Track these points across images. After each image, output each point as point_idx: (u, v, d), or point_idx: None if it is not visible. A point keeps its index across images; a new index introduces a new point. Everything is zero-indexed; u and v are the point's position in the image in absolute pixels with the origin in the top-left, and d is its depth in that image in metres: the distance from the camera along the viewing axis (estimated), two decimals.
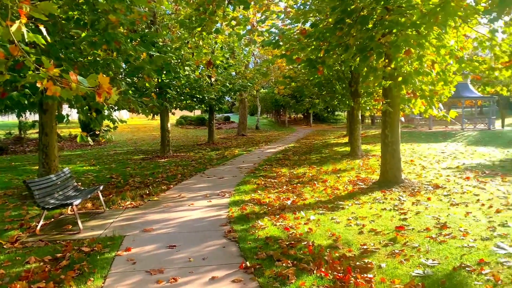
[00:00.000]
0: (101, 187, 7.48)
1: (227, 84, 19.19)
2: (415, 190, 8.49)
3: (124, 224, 6.36)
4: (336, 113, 47.94)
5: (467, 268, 4.15)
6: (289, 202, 7.67)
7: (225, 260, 4.70)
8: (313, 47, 8.90)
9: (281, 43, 9.38)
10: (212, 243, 5.34)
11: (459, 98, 28.82)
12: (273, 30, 10.17)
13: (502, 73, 8.15)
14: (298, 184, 9.54)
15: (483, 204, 7.14)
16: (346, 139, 21.68)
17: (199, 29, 9.01)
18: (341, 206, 7.27)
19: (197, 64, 15.29)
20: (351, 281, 3.89)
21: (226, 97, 21.17)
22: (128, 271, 4.42)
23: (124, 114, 39.61)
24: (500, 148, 17.58)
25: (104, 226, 6.30)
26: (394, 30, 7.53)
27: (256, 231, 5.77)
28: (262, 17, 9.71)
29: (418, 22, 7.05)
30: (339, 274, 4.06)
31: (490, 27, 7.97)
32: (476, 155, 15.05)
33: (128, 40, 7.47)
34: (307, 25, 9.25)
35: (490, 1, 6.67)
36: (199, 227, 6.16)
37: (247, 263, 4.50)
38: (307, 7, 9.44)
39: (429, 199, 7.66)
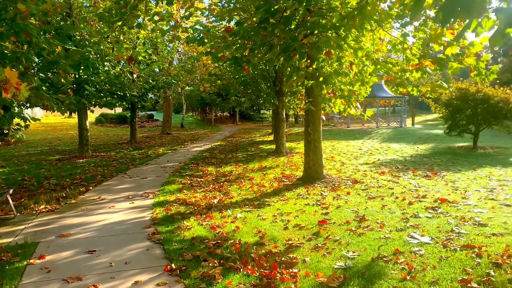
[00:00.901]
0: (11, 191, 6.86)
1: (150, 81, 18.60)
2: (336, 185, 8.87)
3: (37, 230, 5.88)
4: (262, 111, 48.69)
5: (384, 258, 4.40)
6: (215, 201, 7.61)
7: (149, 263, 4.53)
8: (238, 45, 8.92)
9: (206, 41, 9.28)
10: (135, 246, 5.13)
11: (374, 98, 30.69)
12: (197, 27, 10.03)
13: (412, 75, 8.76)
14: (225, 183, 9.52)
15: (397, 197, 7.65)
16: (271, 137, 22.09)
17: (119, 23, 8.60)
18: (267, 203, 7.37)
19: (117, 60, 14.64)
20: (277, 277, 3.94)
21: (149, 94, 20.52)
22: (42, 280, 4.08)
23: (37, 111, 36.79)
24: (411, 144, 19.02)
25: (15, 233, 5.78)
26: (316, 32, 7.77)
27: (182, 232, 5.65)
28: (186, 13, 9.51)
29: (337, 24, 7.34)
30: (265, 271, 4.09)
31: (402, 31, 8.55)
32: (390, 151, 16.13)
33: (41, 33, 6.91)
34: (232, 23, 9.25)
35: (402, 7, 7.13)
36: (121, 230, 5.88)
37: (172, 265, 4.38)
38: (232, 5, 9.42)
39: (348, 193, 8.04)
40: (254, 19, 8.64)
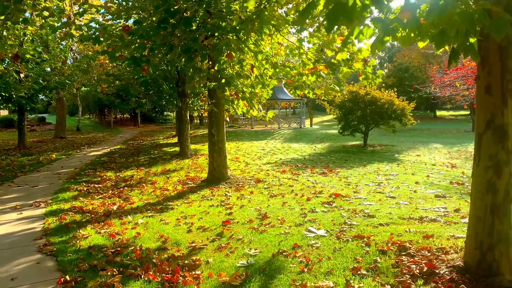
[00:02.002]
0: None
1: (41, 81, 17.12)
2: (240, 185, 9.04)
3: None
4: (165, 113, 47.59)
5: (284, 253, 4.58)
6: (115, 207, 7.27)
7: (40, 277, 4.18)
8: (137, 45, 8.62)
9: (102, 39, 8.81)
10: (24, 260, 4.69)
11: (276, 100, 31.82)
12: (92, 24, 9.49)
13: (308, 78, 9.26)
14: (125, 188, 9.14)
15: (296, 194, 8.02)
16: (175, 139, 21.74)
17: (2, 17, 7.80)
18: (170, 207, 7.23)
19: (1, 58, 13.23)
20: (180, 281, 3.89)
21: (40, 95, 18.86)
22: None
23: None
24: (310, 144, 20.09)
25: None
26: (216, 34, 7.83)
27: (78, 242, 5.30)
28: (80, 10, 8.94)
29: (237, 27, 7.48)
30: (168, 275, 4.02)
31: (298, 37, 9.00)
32: (291, 151, 16.86)
33: None
34: (131, 22, 8.92)
35: (297, 14, 7.50)
36: (7, 243, 5.33)
37: (67, 277, 4.09)
38: (130, 3, 9.09)
39: (252, 192, 8.23)
40: (154, 18, 8.44)
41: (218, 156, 9.62)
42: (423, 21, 3.31)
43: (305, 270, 4.06)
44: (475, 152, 3.79)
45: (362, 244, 4.79)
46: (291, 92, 10.04)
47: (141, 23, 8.40)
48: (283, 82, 9.96)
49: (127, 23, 9.20)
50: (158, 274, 4.09)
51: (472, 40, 3.73)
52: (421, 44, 3.79)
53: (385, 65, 66.59)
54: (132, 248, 4.98)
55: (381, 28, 2.85)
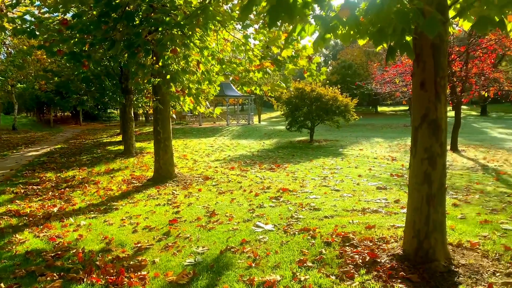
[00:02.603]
0: None
1: None
2: (188, 183, 8.92)
3: None
4: (109, 110, 46.03)
5: (232, 250, 4.58)
6: (55, 209, 6.93)
7: None
8: (76, 39, 8.24)
9: (37, 33, 8.33)
10: None
11: (224, 97, 31.74)
12: (27, 17, 8.94)
13: (255, 75, 9.30)
14: (67, 189, 8.73)
15: (245, 190, 8.05)
16: (120, 138, 21.05)
17: None
18: (114, 207, 7.01)
19: None
20: (125, 282, 3.78)
21: None
22: None
23: None
24: (258, 140, 20.23)
25: None
26: (160, 29, 7.66)
27: (14, 247, 4.99)
28: (13, 2, 8.39)
29: (182, 22, 7.36)
30: (112, 277, 3.89)
31: (244, 33, 9.00)
32: (239, 148, 16.89)
33: None
34: (69, 16, 8.50)
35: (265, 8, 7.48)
36: None
37: (1, 285, 3.84)
38: None
39: (200, 190, 8.16)
40: (94, 12, 8.10)
41: (165, 154, 9.44)
42: (362, 19, 3.42)
43: (253, 265, 4.09)
44: (411, 145, 3.98)
45: (308, 237, 4.90)
46: (238, 88, 10.02)
47: (81, 16, 8.03)
48: (231, 78, 9.91)
49: (65, 17, 8.77)
50: (101, 276, 3.94)
51: (408, 38, 3.92)
52: (361, 42, 3.92)
53: (329, 62, 68.42)
54: (74, 251, 4.77)
55: (322, 25, 2.91)
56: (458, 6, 3.94)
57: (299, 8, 2.51)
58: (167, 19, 7.40)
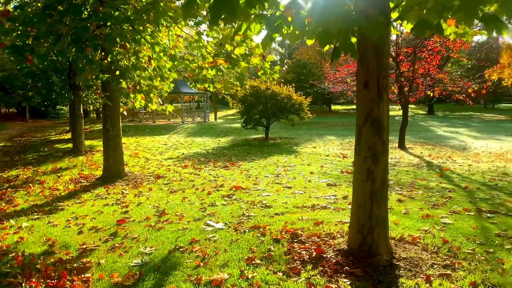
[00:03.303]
0: None
1: None
2: (138, 182, 8.73)
3: None
4: (58, 107, 44.10)
5: (180, 249, 4.53)
6: None
7: None
8: (19, 32, 7.82)
9: None
10: None
11: (179, 94, 31.28)
12: None
13: (208, 72, 9.23)
14: (9, 189, 8.30)
15: (197, 189, 7.98)
16: (69, 135, 20.24)
17: None
18: (60, 208, 6.73)
19: None
20: (67, 285, 3.64)
21: None
22: None
23: None
24: (213, 138, 20.13)
25: None
26: (109, 23, 7.43)
27: None
28: None
29: (132, 17, 7.18)
30: (53, 281, 3.73)
31: (197, 30, 8.90)
32: (194, 145, 16.73)
33: None
34: (12, 7, 8.07)
35: (196, 6, 7.39)
36: None
37: None
38: None
39: (151, 189, 8.01)
40: (39, 4, 7.73)
41: (114, 152, 9.17)
42: (309, 19, 3.47)
43: (201, 264, 4.06)
44: (356, 143, 4.09)
45: (258, 234, 4.93)
46: (191, 85, 9.88)
47: (24, 8, 7.63)
48: (186, 75, 9.76)
49: (7, 8, 8.32)
50: (42, 280, 3.77)
51: (353, 39, 4.02)
52: (309, 42, 3.97)
53: (285, 61, 69.18)
54: (13, 254, 4.53)
55: (267, 25, 2.93)
56: (400, 9, 4.09)
57: (242, 7, 2.51)
58: (116, 13, 7.20)
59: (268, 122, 19.04)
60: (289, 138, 19.72)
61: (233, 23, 3.24)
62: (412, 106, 55.65)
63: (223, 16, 2.42)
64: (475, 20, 3.42)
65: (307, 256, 4.08)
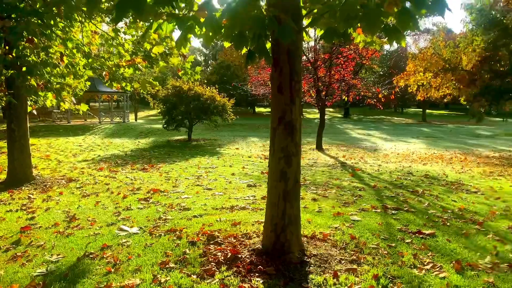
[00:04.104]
0: None
1: None
2: (48, 186, 8.17)
3: None
4: None
5: (91, 256, 4.31)
6: None
7: None
8: None
9: None
10: None
11: (96, 92, 29.84)
12: None
13: (126, 71, 8.91)
14: None
15: (112, 192, 7.65)
16: None
17: None
18: None
19: None
20: None
21: None
22: None
23: None
24: (133, 139, 19.48)
25: None
26: (14, 15, 6.87)
27: None
28: None
29: (40, 10, 6.70)
30: None
31: (113, 27, 8.55)
32: (112, 147, 16.05)
33: None
34: None
35: (112, 2, 7.10)
36: None
37: None
38: None
39: (61, 193, 7.53)
40: None
41: (20, 154, 8.49)
42: (225, 21, 3.49)
43: (112, 270, 3.89)
44: (270, 144, 4.20)
45: (174, 238, 4.85)
46: (108, 84, 9.46)
47: None
48: (103, 73, 9.26)
49: None
50: None
51: (268, 44, 4.12)
52: (226, 44, 3.99)
53: (209, 62, 69.07)
54: None
55: (178, 25, 2.89)
56: (312, 16, 4.27)
57: (150, 5, 2.45)
58: (22, 5, 6.68)
59: (191, 123, 18.86)
60: (212, 139, 19.70)
61: (146, 22, 3.16)
62: (330, 109, 58.49)
63: (131, 14, 2.35)
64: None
65: (223, 257, 4.10)
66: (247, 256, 4.13)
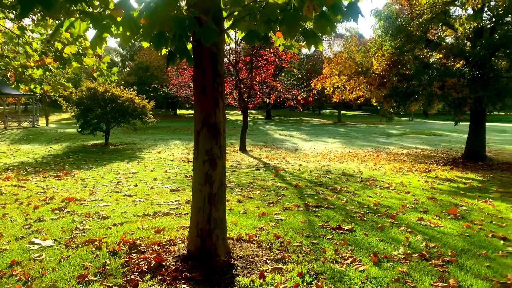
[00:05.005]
0: None
1: None
2: None
3: None
4: None
5: None
6: None
7: None
8: None
9: None
10: None
11: (0, 95, 27.31)
12: None
13: (35, 71, 8.25)
14: None
15: (21, 203, 7.03)
16: None
17: None
18: None
19: None
20: None
21: None
22: None
23: None
24: (44, 144, 18.12)
25: None
26: None
27: None
28: None
29: None
30: None
31: (19, 24, 7.89)
32: (20, 154, 14.80)
33: None
34: None
35: None
36: None
37: None
38: None
39: None
40: None
41: None
42: (143, 21, 3.35)
43: (22, 287, 3.56)
44: (194, 147, 4.12)
45: (93, 249, 4.57)
46: (13, 86, 8.67)
47: None
48: (8, 74, 8.47)
49: None
50: None
51: (189, 45, 4.04)
52: (145, 44, 3.84)
53: (127, 63, 66.57)
54: None
55: (93, 23, 2.72)
56: (233, 18, 4.27)
57: (61, 2, 2.27)
58: None
59: (108, 126, 18.01)
60: (132, 143, 18.98)
61: (56, 20, 2.93)
62: (253, 111, 59.39)
63: (39, 11, 2.15)
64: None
65: (146, 266, 3.94)
66: (172, 263, 4.01)
